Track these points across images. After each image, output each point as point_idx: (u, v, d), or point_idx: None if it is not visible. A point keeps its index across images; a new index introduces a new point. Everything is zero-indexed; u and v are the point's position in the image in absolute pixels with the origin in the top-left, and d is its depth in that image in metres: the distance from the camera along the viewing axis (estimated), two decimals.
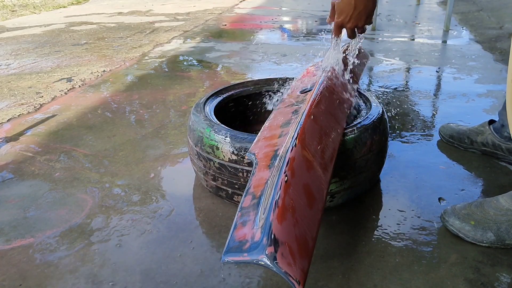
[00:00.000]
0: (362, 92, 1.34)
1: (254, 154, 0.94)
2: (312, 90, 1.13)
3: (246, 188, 0.82)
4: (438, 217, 1.12)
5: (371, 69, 2.46)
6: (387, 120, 1.24)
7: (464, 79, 2.23)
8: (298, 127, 0.94)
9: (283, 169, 0.81)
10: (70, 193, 1.27)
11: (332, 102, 1.11)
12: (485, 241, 1.00)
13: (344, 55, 1.26)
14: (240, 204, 0.78)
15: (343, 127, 1.08)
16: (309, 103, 1.04)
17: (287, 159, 0.84)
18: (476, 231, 1.00)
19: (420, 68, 2.45)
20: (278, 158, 0.87)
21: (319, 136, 0.97)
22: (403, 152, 1.48)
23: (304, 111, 1.01)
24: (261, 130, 1.05)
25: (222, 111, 1.33)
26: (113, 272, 0.96)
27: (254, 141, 1.00)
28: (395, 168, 1.36)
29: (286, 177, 0.79)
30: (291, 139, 0.91)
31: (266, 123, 1.08)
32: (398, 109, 1.85)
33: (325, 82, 1.15)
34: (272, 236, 0.68)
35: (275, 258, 0.65)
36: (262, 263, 0.65)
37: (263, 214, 0.72)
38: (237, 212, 0.76)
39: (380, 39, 3.20)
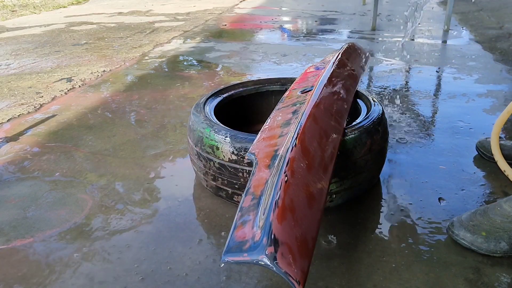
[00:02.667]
0: (362, 92, 1.34)
1: (254, 154, 0.94)
2: (312, 90, 1.12)
3: (246, 188, 0.82)
4: (437, 217, 1.12)
5: (371, 69, 2.46)
6: (387, 120, 1.23)
7: (464, 79, 2.23)
8: (298, 127, 0.94)
9: (283, 169, 0.81)
10: (70, 193, 1.27)
11: (332, 102, 1.11)
12: (498, 251, 0.97)
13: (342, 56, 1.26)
14: (240, 204, 0.78)
15: (343, 127, 1.08)
16: (310, 104, 1.04)
17: (287, 159, 0.84)
18: (489, 243, 0.97)
19: (420, 68, 2.45)
20: (278, 158, 0.87)
21: (319, 136, 0.97)
22: (403, 152, 1.48)
23: (304, 111, 1.01)
24: (261, 130, 1.05)
25: (222, 111, 1.33)
26: (113, 272, 0.96)
27: (254, 141, 1.00)
28: (395, 168, 1.36)
29: (286, 177, 0.79)
30: (291, 139, 0.91)
31: (266, 123, 1.08)
32: (398, 109, 1.85)
33: (325, 82, 1.15)
34: (272, 236, 0.67)
35: (275, 258, 0.65)
36: (262, 263, 0.65)
37: (263, 214, 0.72)
38: (237, 212, 0.76)
39: (380, 39, 3.20)
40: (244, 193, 0.81)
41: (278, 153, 0.89)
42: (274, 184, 0.79)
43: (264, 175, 0.84)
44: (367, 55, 1.50)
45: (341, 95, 1.13)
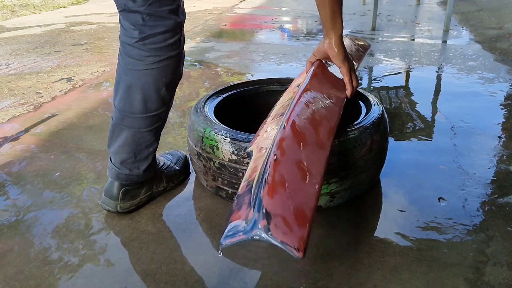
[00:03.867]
0: (362, 92, 1.34)
1: (252, 149, 0.95)
2: (304, 78, 1.13)
3: (243, 178, 0.83)
4: (437, 217, 1.12)
5: (371, 69, 2.46)
6: (387, 120, 1.24)
7: (464, 79, 2.23)
8: (289, 112, 0.95)
9: (273, 150, 0.82)
10: (70, 193, 1.27)
11: (326, 84, 1.11)
12: None
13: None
14: (237, 193, 0.80)
15: (341, 107, 1.07)
16: (300, 89, 1.04)
17: (277, 141, 0.85)
18: None
19: (420, 68, 2.45)
20: (270, 144, 0.88)
21: (311, 117, 0.97)
22: (403, 152, 1.48)
23: (295, 96, 1.02)
24: (259, 128, 1.05)
25: (222, 111, 1.33)
26: (113, 272, 0.96)
27: (253, 139, 1.01)
28: (395, 168, 1.36)
29: (275, 156, 0.80)
30: (281, 124, 0.92)
31: (265, 120, 1.08)
32: (398, 109, 1.85)
33: (317, 69, 1.15)
34: (264, 210, 0.68)
35: (268, 230, 0.65)
36: (257, 237, 0.65)
37: (255, 193, 0.73)
38: (234, 199, 0.77)
39: (380, 39, 3.20)
40: (241, 183, 0.82)
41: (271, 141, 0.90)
42: (264, 164, 0.80)
43: (258, 163, 0.85)
44: (365, 45, 1.50)
45: (336, 78, 1.12)
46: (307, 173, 0.82)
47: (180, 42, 1.07)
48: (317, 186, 0.80)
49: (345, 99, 1.13)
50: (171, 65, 1.06)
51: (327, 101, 1.06)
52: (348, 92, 1.12)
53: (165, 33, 1.02)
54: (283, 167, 0.79)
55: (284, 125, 0.90)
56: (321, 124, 0.97)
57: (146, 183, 1.17)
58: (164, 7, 1.00)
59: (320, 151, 0.90)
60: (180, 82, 1.15)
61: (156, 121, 1.10)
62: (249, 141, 1.06)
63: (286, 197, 0.74)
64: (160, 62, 1.04)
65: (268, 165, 0.79)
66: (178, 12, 1.04)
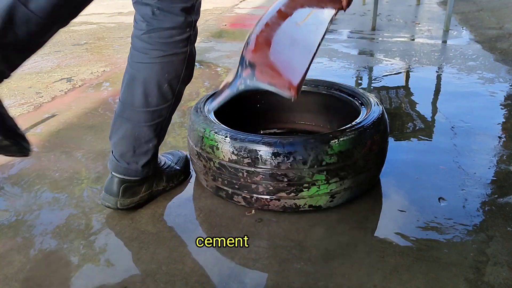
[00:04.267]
0: (362, 92, 1.34)
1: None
2: None
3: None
4: (437, 217, 1.12)
5: (371, 69, 2.46)
6: (387, 120, 1.24)
7: (464, 79, 2.23)
8: (275, 6, 0.94)
9: (259, 26, 0.82)
10: (70, 193, 1.27)
11: None
12: None
13: None
14: None
15: (333, 12, 1.05)
16: None
17: (261, 22, 0.85)
18: None
19: (420, 68, 2.45)
20: None
21: (300, 5, 0.96)
22: (403, 152, 1.48)
23: None
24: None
25: (222, 111, 1.33)
26: (113, 272, 0.96)
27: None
28: (395, 168, 1.36)
29: (259, 29, 0.79)
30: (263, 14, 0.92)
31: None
32: (398, 109, 1.85)
33: None
34: (247, 63, 0.66)
35: (253, 76, 0.63)
36: (243, 86, 0.63)
37: (239, 62, 0.72)
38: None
39: (380, 39, 3.20)
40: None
41: None
42: (246, 41, 0.79)
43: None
44: None
45: None
46: (297, 41, 0.79)
47: (189, 41, 1.07)
48: (312, 52, 0.77)
49: (338, 10, 1.09)
50: (175, 61, 1.06)
51: (316, 4, 1.03)
52: (344, 3, 1.06)
53: (172, 29, 1.02)
54: (268, 34, 0.77)
55: (275, 14, 0.87)
56: (312, 7, 0.95)
57: (147, 181, 1.17)
58: (176, 4, 0.99)
59: (312, 29, 0.87)
60: None
61: (157, 117, 1.10)
62: (249, 141, 1.06)
63: (274, 53, 0.71)
64: (164, 57, 1.04)
65: (250, 37, 0.76)
66: (191, 11, 1.03)
